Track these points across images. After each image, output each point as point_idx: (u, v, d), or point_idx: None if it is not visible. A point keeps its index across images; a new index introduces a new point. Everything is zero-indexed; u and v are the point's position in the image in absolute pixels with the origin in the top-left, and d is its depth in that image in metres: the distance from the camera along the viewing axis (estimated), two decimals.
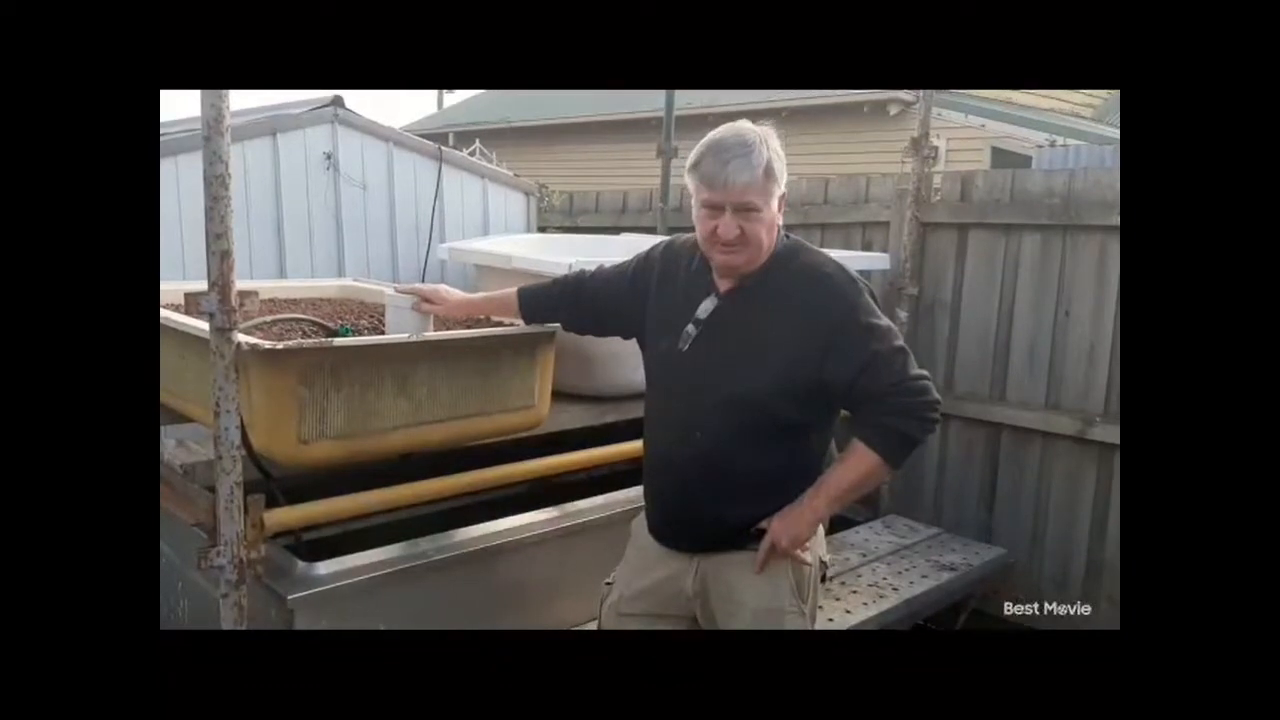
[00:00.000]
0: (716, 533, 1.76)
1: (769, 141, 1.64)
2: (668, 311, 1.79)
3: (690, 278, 1.78)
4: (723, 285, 1.74)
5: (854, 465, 1.69)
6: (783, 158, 1.67)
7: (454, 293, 2.18)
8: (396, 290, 2.23)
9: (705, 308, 1.73)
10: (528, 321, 2.15)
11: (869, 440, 1.66)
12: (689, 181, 1.68)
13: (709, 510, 1.74)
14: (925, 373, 1.67)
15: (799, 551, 1.73)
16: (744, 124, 1.67)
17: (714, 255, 1.70)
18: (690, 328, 1.74)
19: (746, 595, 1.74)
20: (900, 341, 1.67)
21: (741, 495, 1.72)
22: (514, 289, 2.13)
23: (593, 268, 2.05)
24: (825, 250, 1.83)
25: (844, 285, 1.69)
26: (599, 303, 1.99)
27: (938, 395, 1.66)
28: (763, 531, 1.72)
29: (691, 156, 1.67)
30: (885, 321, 1.68)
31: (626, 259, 1.99)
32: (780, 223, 1.71)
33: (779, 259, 1.72)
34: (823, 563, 1.83)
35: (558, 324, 2.15)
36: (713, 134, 1.66)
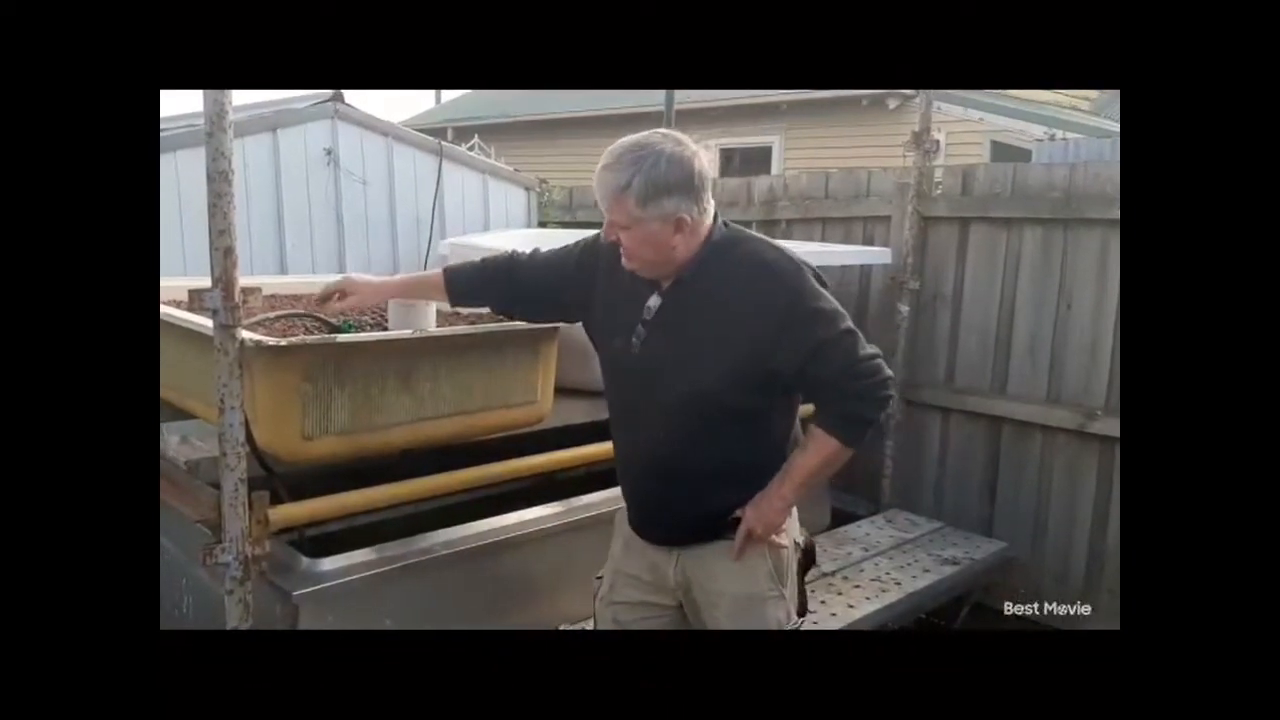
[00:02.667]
0: (691, 526, 1.78)
1: (654, 165, 1.58)
2: (617, 309, 1.78)
3: (636, 274, 1.74)
4: (664, 281, 1.72)
5: (816, 451, 1.71)
6: (674, 183, 1.59)
7: (366, 280, 2.02)
8: (312, 301, 2.07)
9: (651, 306, 1.72)
10: (454, 303, 2.03)
11: (827, 426, 1.69)
12: None
13: (680, 506, 1.76)
14: (876, 350, 1.68)
15: (775, 536, 1.75)
16: (648, 137, 1.63)
17: None
18: (640, 327, 1.73)
19: (726, 583, 1.76)
20: (848, 323, 1.66)
21: (710, 488, 1.73)
22: (438, 271, 2.01)
23: (527, 250, 1.98)
24: (770, 239, 1.80)
25: (787, 272, 1.68)
26: (537, 287, 1.92)
27: (889, 371, 1.68)
28: (738, 521, 1.73)
29: None
30: (832, 304, 1.67)
31: (567, 244, 1.93)
32: (676, 244, 1.64)
33: (716, 250, 1.69)
34: (797, 544, 1.84)
35: (488, 308, 2.05)
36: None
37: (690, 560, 1.79)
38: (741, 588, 1.76)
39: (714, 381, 1.66)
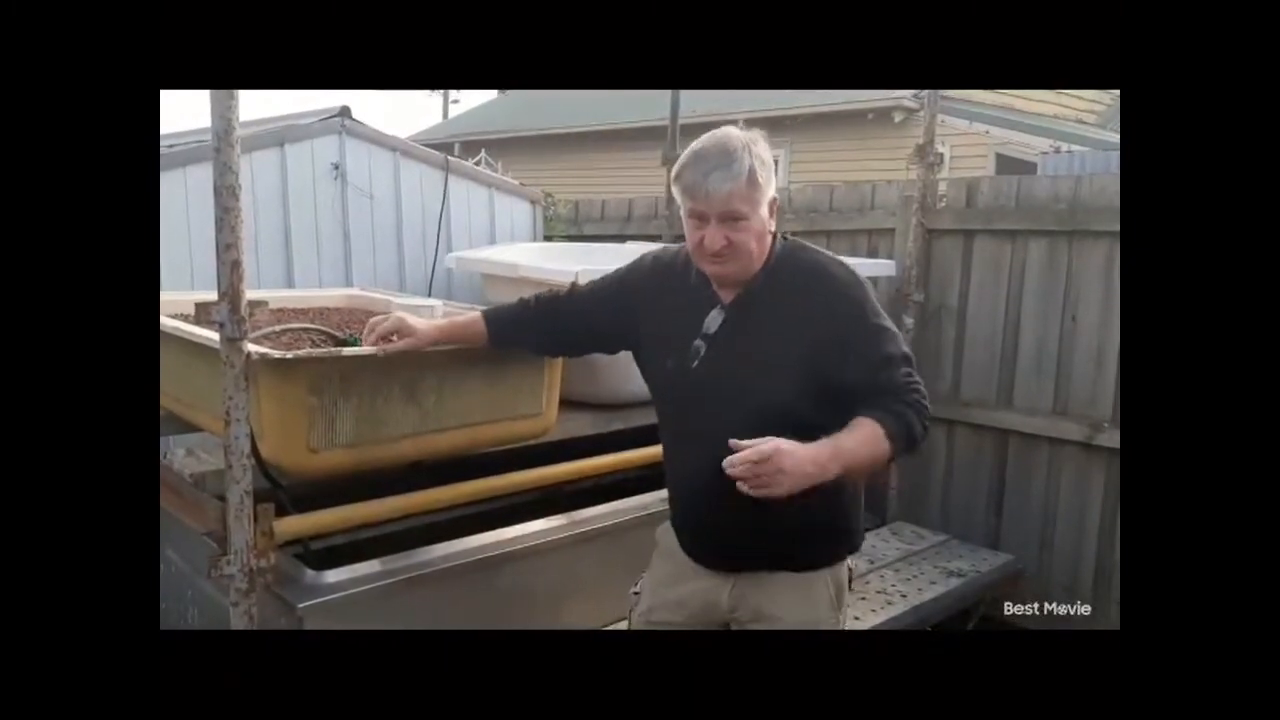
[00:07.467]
0: (754, 550, 1.73)
1: (753, 148, 1.60)
2: (670, 327, 1.74)
3: (690, 291, 1.73)
4: (726, 296, 1.69)
5: (866, 441, 1.57)
6: (769, 163, 1.62)
7: (418, 323, 1.98)
8: (365, 342, 2.01)
9: (712, 322, 1.69)
10: (495, 346, 2.04)
11: (883, 420, 1.58)
12: (674, 191, 1.66)
13: (745, 528, 1.69)
14: (920, 379, 1.68)
15: (773, 494, 1.56)
16: (728, 130, 1.63)
17: (704, 266, 1.67)
18: (699, 343, 1.69)
19: (786, 609, 1.72)
20: (906, 347, 1.68)
21: (776, 507, 1.68)
22: (477, 313, 2.03)
23: (564, 287, 2.00)
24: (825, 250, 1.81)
25: (850, 284, 1.68)
26: (580, 323, 1.93)
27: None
28: (806, 561, 1.72)
29: (675, 166, 1.64)
30: (891, 324, 1.68)
31: (604, 275, 1.94)
32: (772, 228, 1.67)
33: (780, 261, 1.69)
34: (851, 569, 1.82)
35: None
36: (696, 143, 1.63)
37: (749, 585, 1.75)
38: (802, 615, 1.72)
39: (782, 393, 1.61)
